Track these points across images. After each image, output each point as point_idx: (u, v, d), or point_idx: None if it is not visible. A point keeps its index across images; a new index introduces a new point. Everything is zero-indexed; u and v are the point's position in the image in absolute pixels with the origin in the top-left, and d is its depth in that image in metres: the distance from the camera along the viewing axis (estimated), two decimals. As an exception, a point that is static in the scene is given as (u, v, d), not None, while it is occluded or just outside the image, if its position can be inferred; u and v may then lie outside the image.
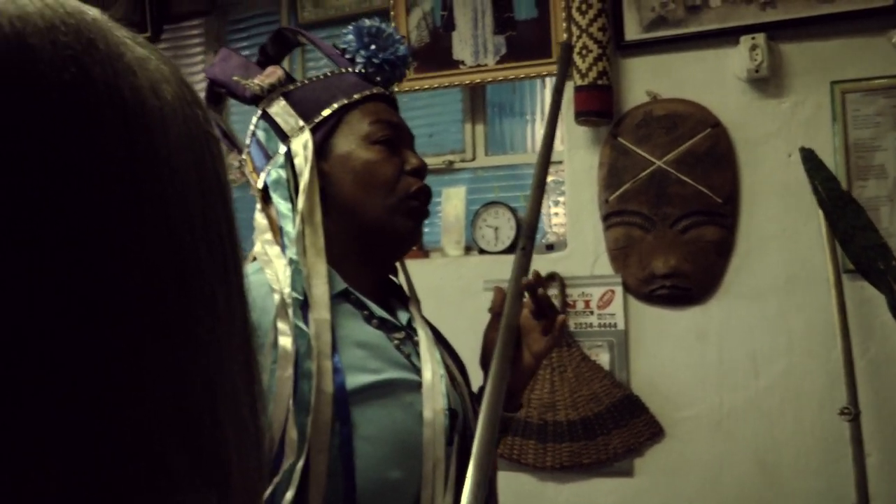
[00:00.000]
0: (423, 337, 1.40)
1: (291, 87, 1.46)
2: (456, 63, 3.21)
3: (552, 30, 3.10)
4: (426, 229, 3.29)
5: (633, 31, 3.01)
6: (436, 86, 3.25)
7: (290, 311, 1.27)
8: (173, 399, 0.42)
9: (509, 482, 3.09)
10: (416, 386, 1.34)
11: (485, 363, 1.47)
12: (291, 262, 1.32)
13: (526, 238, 1.57)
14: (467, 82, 3.22)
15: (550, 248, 3.15)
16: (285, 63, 1.71)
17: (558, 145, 3.27)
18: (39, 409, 0.38)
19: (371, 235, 1.40)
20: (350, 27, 1.52)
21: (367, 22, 1.51)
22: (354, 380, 1.27)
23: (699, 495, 2.91)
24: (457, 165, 3.38)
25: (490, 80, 3.18)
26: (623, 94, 3.04)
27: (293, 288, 1.29)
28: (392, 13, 3.27)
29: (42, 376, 0.38)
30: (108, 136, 0.41)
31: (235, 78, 1.49)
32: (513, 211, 3.18)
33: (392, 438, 1.28)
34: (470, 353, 3.22)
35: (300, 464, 1.21)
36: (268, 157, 1.44)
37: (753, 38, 2.84)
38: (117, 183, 0.41)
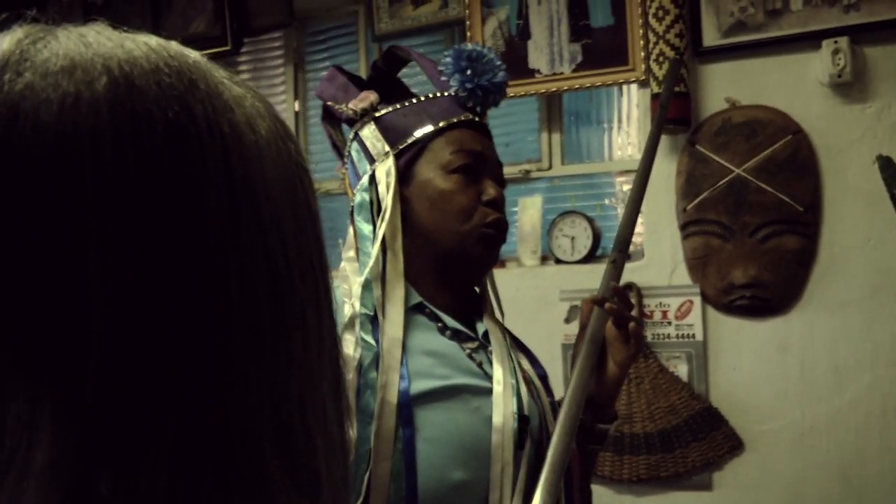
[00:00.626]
0: (496, 345, 1.42)
1: (383, 111, 1.48)
2: (531, 72, 3.20)
3: (629, 37, 3.07)
4: (502, 238, 3.29)
5: (711, 37, 2.97)
6: (511, 95, 3.23)
7: (358, 324, 1.31)
8: (270, 409, 0.45)
9: (585, 494, 3.07)
10: (486, 391, 1.36)
11: None
12: (366, 281, 1.35)
13: (618, 251, 1.55)
14: (542, 91, 3.20)
15: (628, 257, 3.11)
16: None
17: (635, 153, 3.23)
18: (157, 412, 0.42)
19: (446, 260, 1.43)
20: (451, 49, 1.52)
21: (469, 46, 1.51)
22: (420, 385, 1.31)
23: (781, 511, 2.84)
24: (533, 174, 3.37)
25: (566, 88, 3.16)
26: (701, 101, 2.99)
27: (363, 304, 1.33)
28: (468, 23, 3.28)
29: (160, 384, 0.42)
30: (210, 167, 0.45)
31: (329, 103, 1.56)
32: (589, 220, 3.15)
33: (455, 441, 1.30)
34: (546, 362, 3.21)
35: (367, 474, 1.25)
36: (359, 177, 1.48)
37: (836, 42, 2.77)
38: (218, 211, 0.45)
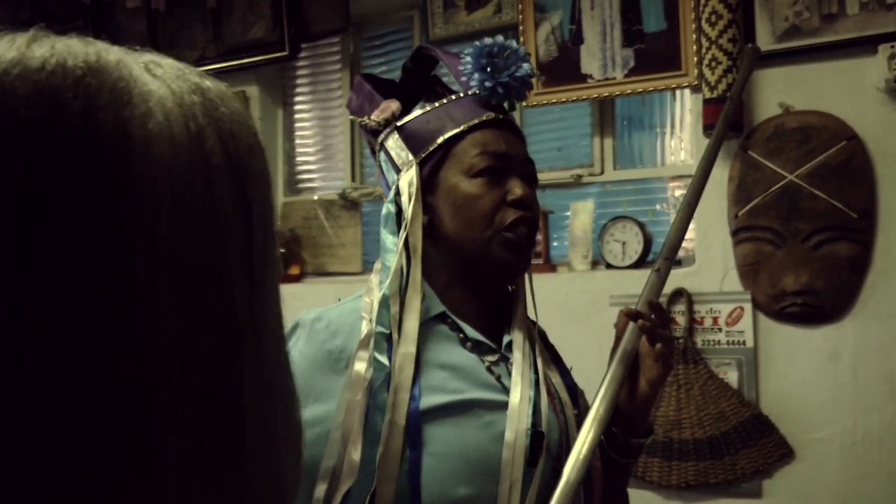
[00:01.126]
0: (518, 358, 1.38)
1: (406, 119, 1.46)
2: (584, 77, 3.21)
3: (681, 42, 3.06)
4: (554, 243, 3.31)
5: (765, 42, 2.94)
6: (563, 100, 3.25)
7: (373, 342, 1.30)
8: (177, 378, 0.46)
9: (634, 500, 3.06)
10: (501, 406, 1.33)
11: None
12: (384, 297, 1.33)
13: (664, 258, 1.50)
14: (595, 96, 3.21)
15: (678, 263, 3.11)
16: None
17: (688, 159, 3.22)
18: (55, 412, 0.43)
19: (473, 267, 1.40)
20: (471, 47, 1.48)
21: (489, 40, 1.47)
22: (429, 400, 1.28)
23: (832, 520, 2.82)
24: (585, 179, 3.38)
25: (618, 93, 3.17)
26: (754, 107, 2.97)
27: (379, 321, 1.31)
28: (521, 28, 3.30)
29: (54, 382, 0.43)
30: (115, 175, 0.45)
31: (352, 117, 1.56)
32: (641, 226, 3.15)
33: (461, 456, 1.28)
34: (595, 368, 3.20)
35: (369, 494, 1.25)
36: (389, 188, 1.47)
37: (893, 47, 2.73)
38: (117, 220, 0.45)
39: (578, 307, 3.13)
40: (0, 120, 0.44)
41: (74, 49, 0.48)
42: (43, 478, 0.42)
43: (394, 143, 1.45)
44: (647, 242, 3.15)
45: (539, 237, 3.32)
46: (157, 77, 0.50)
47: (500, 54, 1.45)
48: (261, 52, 3.76)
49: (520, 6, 3.30)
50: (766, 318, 2.93)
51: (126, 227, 0.45)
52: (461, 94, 1.46)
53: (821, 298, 2.83)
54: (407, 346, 1.30)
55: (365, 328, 1.31)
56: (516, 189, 1.38)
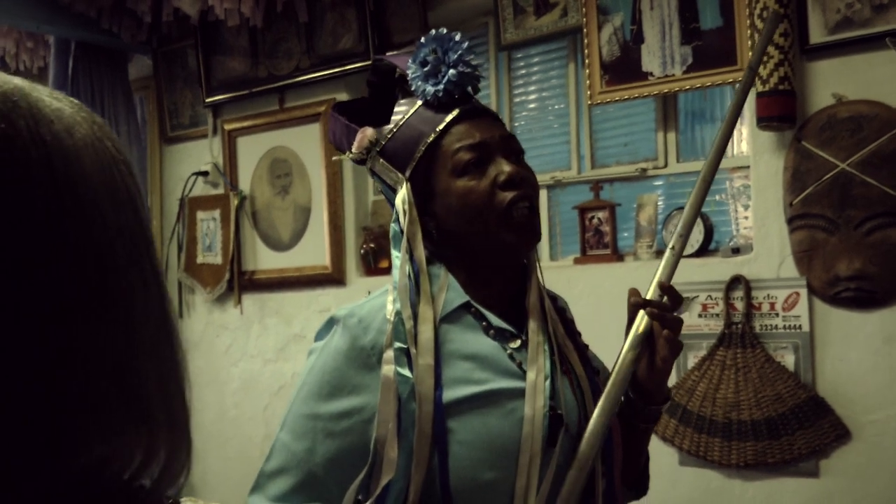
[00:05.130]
0: (533, 342, 1.43)
1: (384, 141, 1.51)
2: (645, 75, 3.35)
3: (737, 38, 3.17)
4: (624, 234, 3.46)
5: (817, 35, 3.03)
6: (626, 97, 3.40)
7: (393, 355, 1.37)
8: (101, 352, 0.57)
9: (697, 478, 3.20)
10: (523, 393, 1.39)
11: None
12: (397, 314, 1.39)
13: (678, 236, 1.57)
14: (655, 93, 3.34)
15: (736, 251, 3.22)
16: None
17: (745, 149, 3.32)
18: (17, 370, 0.53)
19: (488, 258, 1.47)
20: (411, 56, 1.52)
21: (423, 43, 1.51)
22: (455, 392, 1.36)
23: (889, 499, 2.88)
24: (650, 172, 3.52)
25: (677, 89, 3.29)
26: (807, 98, 3.06)
27: (396, 338, 1.37)
28: (585, 30, 3.46)
29: (10, 345, 0.53)
30: (34, 167, 0.55)
31: (335, 158, 1.67)
32: (702, 216, 3.27)
33: (486, 443, 1.35)
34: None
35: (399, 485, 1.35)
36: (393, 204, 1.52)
37: (941, 36, 2.79)
38: (45, 200, 0.55)
39: (644, 294, 3.27)
40: None
41: None
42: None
43: (381, 167, 1.51)
44: (709, 232, 3.27)
45: (607, 229, 3.48)
46: (58, 99, 0.62)
47: (439, 51, 1.49)
48: (348, 61, 4.03)
49: (584, 9, 3.46)
50: (822, 303, 3.02)
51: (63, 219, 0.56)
52: (427, 98, 1.50)
53: (874, 283, 2.90)
54: (425, 358, 1.36)
55: (389, 328, 1.39)
56: (503, 168, 1.43)
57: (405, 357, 1.36)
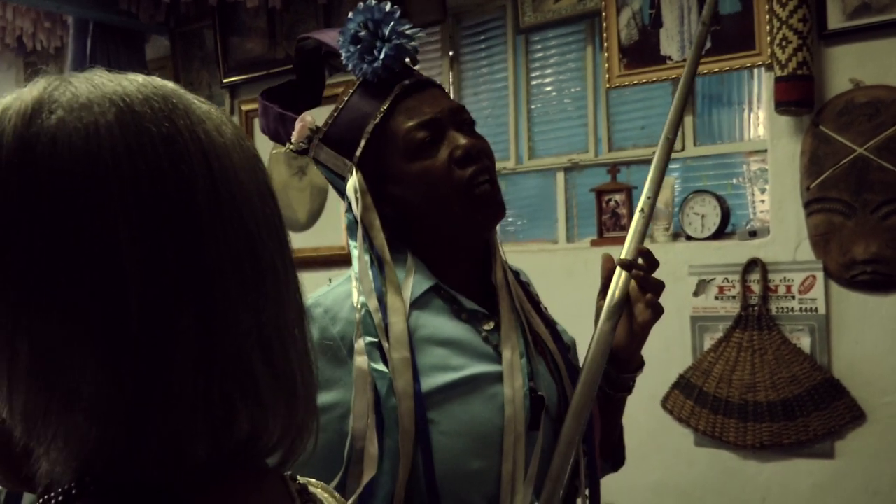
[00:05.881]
0: (505, 322, 1.38)
1: (325, 128, 1.42)
2: (663, 59, 3.37)
3: (755, 23, 3.19)
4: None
5: (836, 20, 3.05)
6: (644, 81, 3.42)
7: (366, 353, 1.28)
8: (255, 331, 0.61)
9: (713, 458, 3.25)
10: (501, 377, 1.33)
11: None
12: (363, 306, 1.31)
13: (646, 198, 1.49)
14: (674, 77, 3.37)
15: (753, 234, 3.25)
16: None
17: (763, 133, 3.35)
18: (178, 342, 0.57)
19: (452, 238, 1.40)
20: (340, 33, 1.44)
21: (351, 25, 1.42)
22: (434, 380, 1.29)
23: (902, 480, 2.93)
24: (667, 155, 3.54)
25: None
26: (825, 83, 3.08)
27: (366, 331, 1.29)
28: (604, 14, 3.48)
29: (179, 323, 0.57)
30: (195, 163, 0.60)
31: (275, 151, 1.51)
32: (719, 199, 3.30)
33: (471, 431, 1.29)
34: (676, 332, 3.40)
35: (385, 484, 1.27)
36: (343, 194, 1.43)
37: (960, 22, 2.80)
38: (205, 192, 0.59)
39: (659, 276, 3.30)
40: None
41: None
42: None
43: (327, 155, 1.42)
44: (725, 215, 3.30)
45: (623, 211, 3.51)
46: (204, 102, 0.67)
47: (367, 31, 1.41)
48: (367, 43, 4.04)
49: (602, -7, 3.49)
50: (838, 286, 3.06)
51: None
52: (366, 77, 1.41)
53: (890, 267, 2.93)
54: (400, 352, 1.28)
55: (358, 317, 1.30)
56: (459, 141, 1.36)
57: (377, 351, 1.28)
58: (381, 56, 1.38)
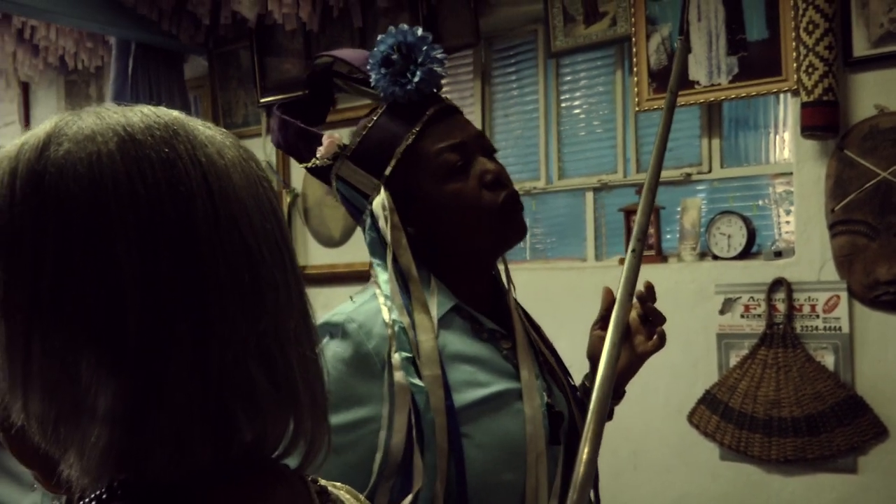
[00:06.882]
0: (519, 342, 1.43)
1: (352, 146, 1.45)
2: (692, 83, 3.48)
3: (782, 49, 3.29)
4: (667, 236, 3.59)
5: (861, 48, 3.15)
6: (673, 105, 3.52)
7: (402, 368, 1.31)
8: (253, 340, 0.64)
9: (737, 472, 3.34)
10: (520, 393, 1.38)
11: (591, 357, 1.51)
12: (395, 322, 1.34)
13: (636, 240, 1.53)
14: (702, 101, 3.47)
15: (779, 254, 3.35)
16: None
17: (788, 156, 3.44)
18: (177, 354, 0.61)
19: (472, 259, 1.44)
20: (369, 62, 1.47)
21: (382, 47, 1.45)
22: (466, 396, 1.33)
23: (924, 495, 3.01)
24: (694, 177, 3.64)
25: (723, 98, 3.42)
26: (850, 108, 3.18)
27: (401, 348, 1.32)
28: (633, 39, 3.59)
29: (177, 334, 0.61)
30: (194, 185, 0.63)
31: (303, 165, 1.52)
32: (745, 220, 3.40)
33: (502, 444, 1.33)
34: (702, 349, 3.47)
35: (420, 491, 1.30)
36: (359, 211, 1.46)
37: (981, 51, 2.90)
38: (204, 211, 0.63)
39: (687, 295, 3.41)
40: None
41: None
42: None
43: (349, 171, 1.45)
44: (751, 235, 3.39)
45: (651, 231, 3.61)
46: (209, 128, 0.71)
47: (399, 54, 1.43)
48: (401, 66, 4.16)
49: (633, 19, 3.59)
50: (861, 306, 3.14)
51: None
52: (396, 100, 1.45)
53: (912, 288, 3.02)
54: (432, 369, 1.31)
55: (390, 332, 1.33)
56: (488, 166, 1.40)
57: (412, 366, 1.31)
58: (416, 80, 1.41)
